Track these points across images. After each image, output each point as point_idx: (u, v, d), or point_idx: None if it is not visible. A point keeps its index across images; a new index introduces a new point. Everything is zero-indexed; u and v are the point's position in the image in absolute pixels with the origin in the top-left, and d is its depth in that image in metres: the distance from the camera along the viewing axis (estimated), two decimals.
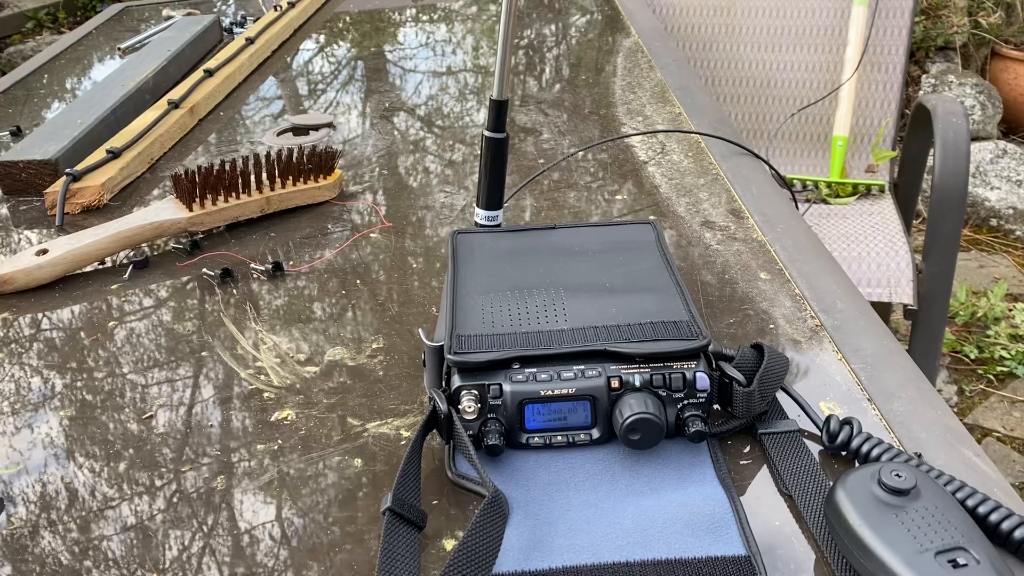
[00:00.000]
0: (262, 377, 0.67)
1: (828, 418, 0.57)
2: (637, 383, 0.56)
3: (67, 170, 0.97)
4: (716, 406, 0.59)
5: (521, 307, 0.62)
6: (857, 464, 0.56)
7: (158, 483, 0.58)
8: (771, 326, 0.71)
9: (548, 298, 0.63)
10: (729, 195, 0.94)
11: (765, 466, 0.57)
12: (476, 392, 0.56)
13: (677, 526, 0.51)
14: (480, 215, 0.77)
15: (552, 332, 0.59)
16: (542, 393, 0.56)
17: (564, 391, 0.56)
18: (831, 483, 0.54)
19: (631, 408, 0.55)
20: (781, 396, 0.61)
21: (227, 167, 0.89)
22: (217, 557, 0.52)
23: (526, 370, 0.57)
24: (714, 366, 0.58)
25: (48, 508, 0.56)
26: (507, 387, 0.56)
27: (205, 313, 0.76)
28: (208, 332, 0.74)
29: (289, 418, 0.63)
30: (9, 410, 0.66)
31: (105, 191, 0.97)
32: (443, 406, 0.56)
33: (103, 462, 0.60)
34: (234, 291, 0.79)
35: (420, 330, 0.61)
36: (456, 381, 0.56)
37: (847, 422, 0.57)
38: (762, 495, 0.54)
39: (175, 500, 0.56)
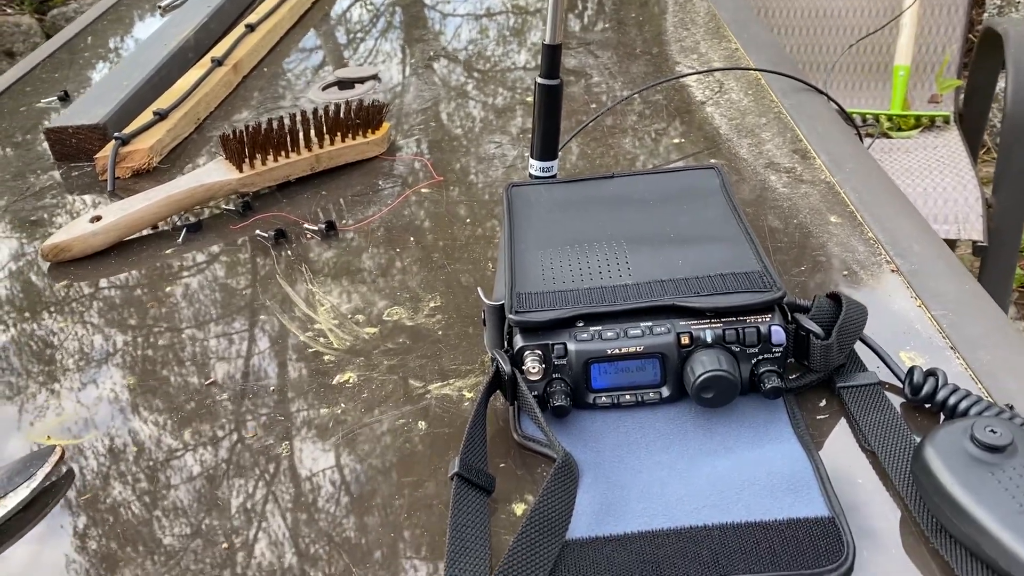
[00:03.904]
0: (321, 340, 0.66)
1: (911, 369, 0.55)
2: (709, 339, 0.54)
3: (115, 134, 0.96)
4: (791, 359, 0.57)
5: (582, 262, 0.60)
6: (943, 418, 0.54)
7: (220, 452, 0.57)
8: (844, 273, 0.68)
9: (610, 251, 0.61)
10: (793, 134, 0.89)
11: (844, 421, 0.54)
12: (540, 352, 0.54)
13: (755, 487, 0.49)
14: (535, 166, 0.75)
15: (616, 287, 0.57)
16: (608, 352, 0.54)
17: (632, 349, 0.54)
18: (916, 438, 0.52)
19: (703, 365, 0.53)
20: (859, 347, 0.59)
21: (275, 126, 0.88)
22: (283, 524, 0.52)
23: (591, 328, 0.55)
24: (789, 319, 0.56)
25: (115, 461, 0.56)
26: (572, 346, 0.54)
27: (261, 275, 0.76)
28: (265, 295, 0.73)
29: (351, 380, 0.62)
30: (74, 371, 0.66)
31: (154, 154, 0.97)
32: (506, 367, 0.54)
33: (163, 428, 0.60)
34: (288, 252, 0.78)
35: (479, 289, 0.59)
36: (519, 341, 0.55)
37: (931, 373, 0.54)
38: (843, 452, 0.52)
39: (240, 465, 0.56)
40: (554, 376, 0.55)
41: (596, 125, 0.95)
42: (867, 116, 1.77)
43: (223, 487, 0.55)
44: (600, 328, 0.55)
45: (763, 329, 0.54)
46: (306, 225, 0.81)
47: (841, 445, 0.53)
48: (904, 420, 0.53)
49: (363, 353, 0.64)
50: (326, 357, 0.65)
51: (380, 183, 0.89)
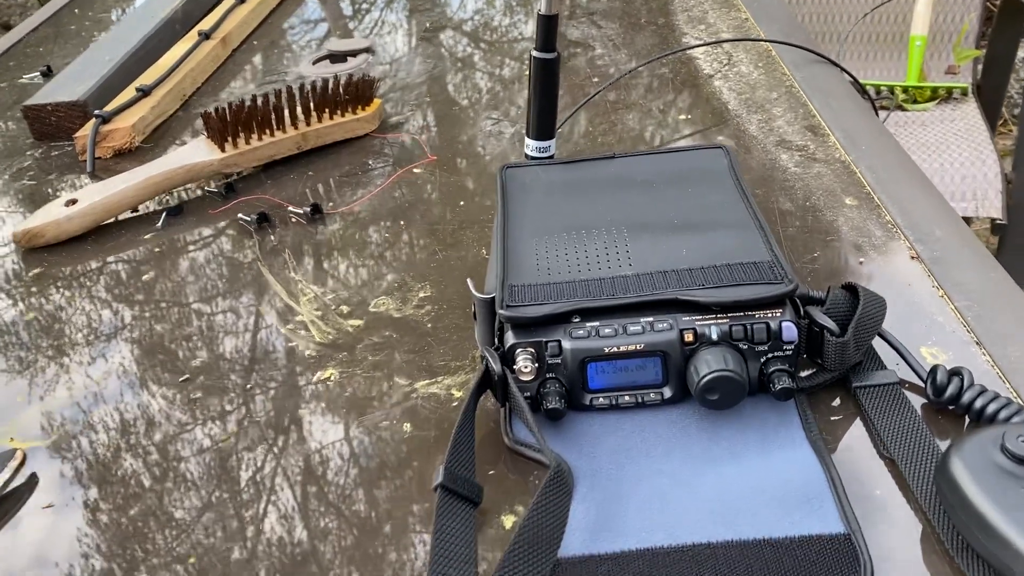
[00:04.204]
0: (303, 332, 0.63)
1: (934, 368, 0.50)
2: (714, 336, 0.50)
3: (96, 112, 0.92)
4: (803, 355, 0.53)
5: (579, 251, 0.56)
6: (968, 420, 0.50)
7: (193, 454, 0.54)
8: (860, 260, 0.63)
9: (609, 239, 0.57)
10: (806, 109, 0.85)
11: (860, 424, 0.50)
12: (533, 350, 0.50)
13: (764, 499, 0.45)
14: (531, 146, 0.70)
15: (615, 279, 0.53)
16: (606, 350, 0.50)
17: (631, 347, 0.50)
18: (939, 443, 0.48)
19: (708, 365, 0.48)
20: (876, 342, 0.54)
21: (259, 103, 0.84)
22: (260, 539, 0.48)
23: (587, 324, 0.51)
24: (802, 313, 0.51)
25: (74, 462, 0.53)
26: (567, 344, 0.50)
27: (242, 262, 0.72)
28: (245, 284, 0.69)
29: (332, 378, 0.58)
30: (44, 364, 0.62)
31: (136, 132, 0.92)
32: (496, 366, 0.50)
33: (130, 426, 0.56)
34: (272, 237, 0.74)
35: (469, 280, 0.55)
36: (510, 339, 0.51)
37: (956, 373, 0.50)
38: (859, 458, 0.48)
39: (215, 473, 0.52)
40: (548, 376, 0.51)
41: (599, 100, 0.91)
42: (881, 88, 1.71)
43: (184, 495, 0.51)
44: (597, 324, 0.51)
45: (773, 325, 0.50)
46: (291, 208, 0.77)
47: (857, 451, 0.49)
48: (926, 424, 0.49)
49: (346, 348, 0.61)
50: (307, 352, 0.61)
51: (370, 163, 0.85)
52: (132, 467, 0.53)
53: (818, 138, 0.80)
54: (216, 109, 0.82)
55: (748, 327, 0.50)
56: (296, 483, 0.51)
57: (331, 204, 0.78)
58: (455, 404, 0.55)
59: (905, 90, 1.69)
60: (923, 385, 0.51)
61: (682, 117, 0.87)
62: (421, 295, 0.65)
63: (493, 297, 0.53)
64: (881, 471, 0.47)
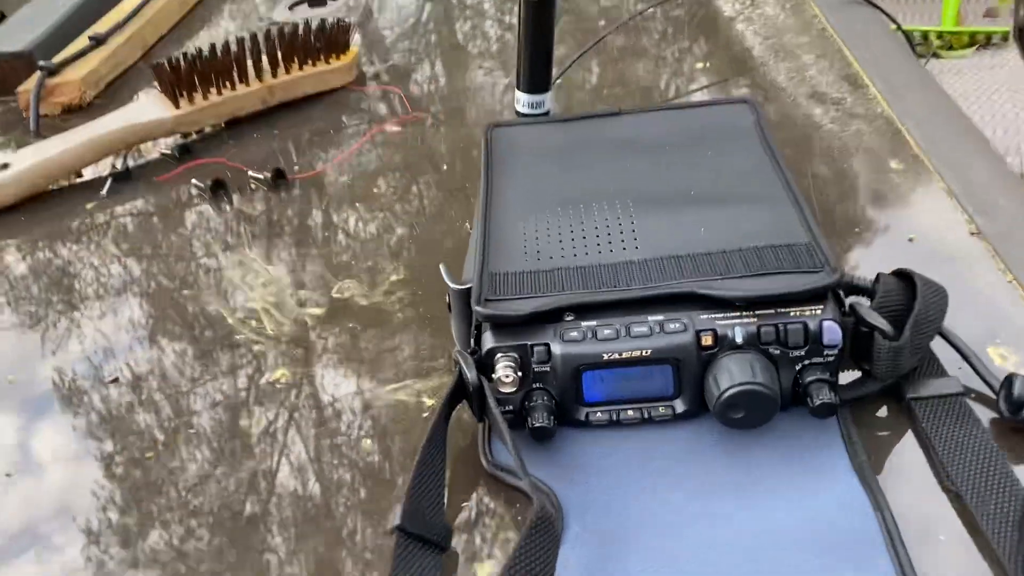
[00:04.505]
0: (253, 323, 0.54)
1: (1009, 378, 0.41)
2: (739, 339, 0.40)
3: (40, 63, 0.82)
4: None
5: (575, 229, 0.47)
6: None
7: (119, 472, 0.45)
8: (909, 236, 0.54)
9: (612, 216, 0.47)
10: (841, 57, 0.74)
11: (917, 446, 0.41)
12: (515, 355, 0.41)
13: (800, 546, 0.36)
14: (521, 100, 0.60)
15: (618, 266, 0.44)
16: (605, 356, 0.41)
17: (636, 352, 0.41)
18: (1018, 472, 0.38)
19: (731, 376, 0.39)
20: (934, 340, 0.45)
21: (219, 51, 0.74)
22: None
23: (583, 323, 0.41)
24: (847, 309, 0.42)
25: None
26: (557, 348, 0.41)
27: (190, 238, 0.63)
28: (193, 262, 0.60)
29: (283, 380, 0.49)
30: None
31: (87, 86, 0.83)
32: (471, 375, 0.41)
33: (51, 434, 0.48)
34: (227, 207, 0.65)
35: (442, 266, 0.46)
36: (488, 341, 0.42)
37: None
38: (915, 492, 0.39)
39: (139, 486, 0.44)
40: (534, 387, 0.42)
41: (604, 46, 0.80)
42: (914, 33, 1.59)
43: (108, 518, 0.43)
44: (595, 324, 0.41)
45: (812, 325, 0.40)
46: (251, 173, 0.68)
47: (913, 481, 0.40)
48: (1001, 448, 0.40)
49: (302, 342, 0.52)
50: (256, 347, 0.52)
51: (344, 119, 0.75)
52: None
53: (856, 90, 0.69)
54: (169, 60, 0.72)
55: (781, 328, 0.40)
56: (209, 528, 0.42)
57: (297, 168, 0.69)
58: (425, 415, 0.46)
59: (940, 35, 1.57)
60: (994, 397, 0.42)
61: (699, 65, 0.77)
62: (393, 278, 0.56)
63: (470, 288, 0.44)
64: (944, 508, 0.38)
